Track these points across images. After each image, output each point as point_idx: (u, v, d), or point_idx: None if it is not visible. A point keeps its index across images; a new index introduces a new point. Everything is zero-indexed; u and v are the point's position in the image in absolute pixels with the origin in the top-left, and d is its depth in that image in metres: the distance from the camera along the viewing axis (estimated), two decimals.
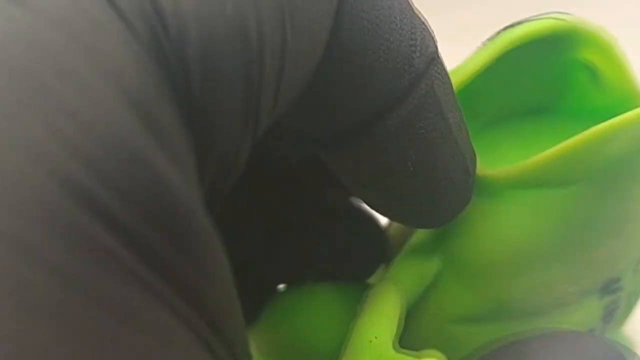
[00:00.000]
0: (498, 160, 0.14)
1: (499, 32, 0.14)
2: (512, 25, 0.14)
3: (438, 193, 0.13)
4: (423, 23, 0.12)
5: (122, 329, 0.08)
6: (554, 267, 0.14)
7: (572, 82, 0.15)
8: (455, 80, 0.13)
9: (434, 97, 0.12)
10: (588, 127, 0.13)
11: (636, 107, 0.12)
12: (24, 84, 0.08)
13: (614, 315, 0.16)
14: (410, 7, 0.12)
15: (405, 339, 0.14)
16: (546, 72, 0.15)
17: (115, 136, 0.08)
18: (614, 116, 0.14)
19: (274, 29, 0.09)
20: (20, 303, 0.07)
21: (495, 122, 0.15)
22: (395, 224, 0.18)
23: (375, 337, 0.13)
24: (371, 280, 0.18)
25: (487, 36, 0.14)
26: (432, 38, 0.12)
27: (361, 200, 0.15)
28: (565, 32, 0.14)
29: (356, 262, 0.17)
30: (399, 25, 0.11)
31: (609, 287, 0.15)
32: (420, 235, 0.15)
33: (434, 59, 0.12)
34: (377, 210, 0.14)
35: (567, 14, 0.14)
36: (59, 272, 0.07)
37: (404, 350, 0.13)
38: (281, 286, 0.17)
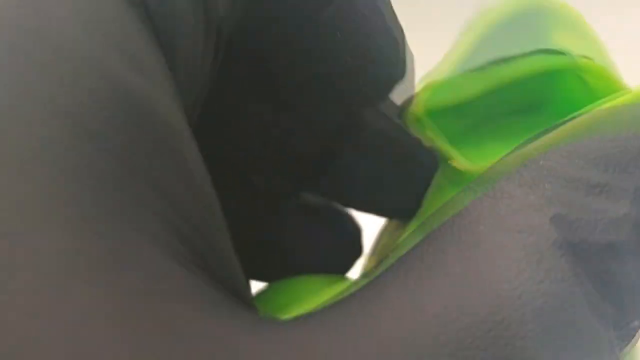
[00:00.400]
0: (484, 160, 0.15)
1: (489, 64, 0.14)
2: (504, 60, 0.14)
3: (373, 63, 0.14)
4: None
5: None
6: None
7: (559, 83, 0.15)
8: (439, 104, 0.14)
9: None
10: None
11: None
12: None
13: None
14: None
15: None
16: (533, 82, 0.15)
17: (97, 66, 0.09)
18: None
19: None
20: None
21: (482, 123, 0.15)
22: (387, 234, 0.18)
23: None
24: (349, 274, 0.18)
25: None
26: None
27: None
28: (532, 9, 0.14)
29: (334, 256, 0.17)
30: None
31: None
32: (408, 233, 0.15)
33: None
34: None
35: (556, 51, 0.14)
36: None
37: None
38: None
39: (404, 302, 0.08)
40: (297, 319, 0.09)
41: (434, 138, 0.14)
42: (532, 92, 0.15)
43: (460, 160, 0.14)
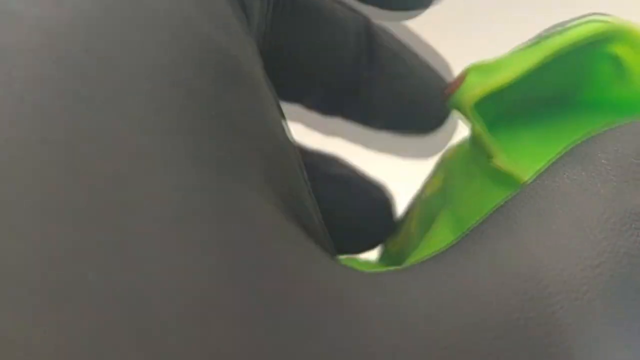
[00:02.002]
0: (519, 153, 0.15)
1: (541, 36, 0.14)
2: (556, 31, 0.14)
3: None
4: None
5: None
6: None
7: (594, 73, 0.15)
8: (493, 85, 0.14)
9: None
10: (608, 119, 0.13)
11: None
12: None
13: None
14: None
15: None
16: (570, 62, 0.15)
17: (191, 22, 0.09)
18: (635, 110, 0.14)
19: None
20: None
21: (516, 110, 0.15)
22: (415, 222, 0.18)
23: None
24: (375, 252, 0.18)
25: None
26: None
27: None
28: (606, 34, 0.14)
29: (365, 233, 0.18)
30: None
31: None
32: (438, 229, 0.16)
33: None
34: None
35: (606, 15, 0.14)
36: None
37: None
38: None
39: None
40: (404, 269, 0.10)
41: (481, 131, 0.14)
42: (567, 78, 0.15)
43: (502, 159, 0.14)
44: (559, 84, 0.15)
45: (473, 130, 0.14)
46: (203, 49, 0.09)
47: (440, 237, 0.15)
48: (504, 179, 0.14)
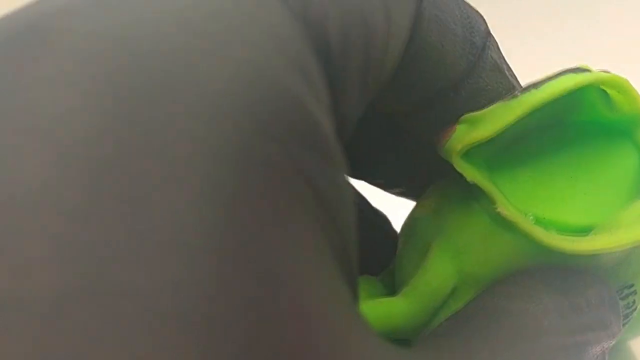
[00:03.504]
0: (520, 187, 0.15)
1: (519, 92, 0.15)
2: (534, 86, 0.14)
3: None
4: (471, 7, 0.15)
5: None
6: None
7: (583, 99, 0.16)
8: (475, 138, 0.14)
9: (493, 62, 0.15)
10: (601, 142, 0.15)
11: None
12: (201, 38, 0.09)
13: (630, 316, 0.16)
14: (463, 2, 0.15)
15: None
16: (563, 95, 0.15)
17: (278, 79, 0.10)
18: (624, 130, 0.15)
19: (381, 19, 0.12)
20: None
21: (513, 143, 0.16)
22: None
23: None
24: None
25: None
26: (481, 17, 0.15)
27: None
28: (585, 85, 0.14)
29: (371, 258, 0.18)
30: (458, 15, 0.14)
31: (622, 293, 0.16)
32: (435, 259, 0.16)
33: (487, 34, 0.15)
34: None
35: (583, 67, 0.15)
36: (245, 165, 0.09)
37: None
38: None
39: None
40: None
41: (477, 177, 0.15)
42: (559, 107, 0.15)
43: (504, 204, 0.14)
44: (549, 114, 0.15)
45: (468, 176, 0.15)
46: (287, 101, 0.10)
47: (439, 269, 0.15)
48: (506, 223, 0.14)
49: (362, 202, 0.18)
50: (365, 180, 0.18)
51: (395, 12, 0.13)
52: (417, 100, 0.15)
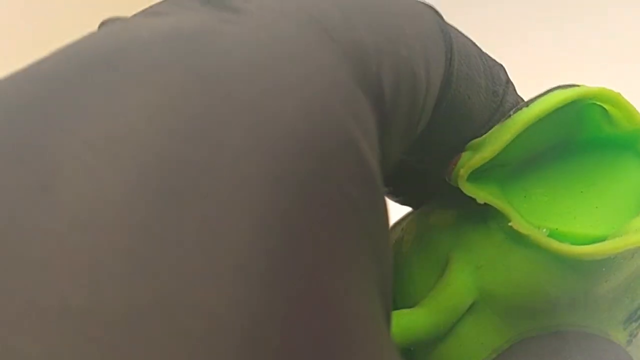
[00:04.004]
0: (533, 204, 0.16)
1: (513, 111, 0.15)
2: (525, 104, 0.15)
3: None
4: (491, 58, 0.16)
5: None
6: (580, 314, 0.16)
7: (584, 117, 0.16)
8: (477, 162, 0.15)
9: (510, 105, 0.16)
10: (608, 156, 0.15)
11: None
12: (262, 79, 0.10)
13: (637, 335, 0.17)
14: (479, 49, 0.15)
15: None
16: (555, 119, 0.16)
17: (335, 119, 0.10)
18: (626, 144, 0.16)
19: (423, 73, 0.13)
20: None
21: (524, 164, 0.16)
22: None
23: None
24: None
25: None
26: (501, 67, 0.16)
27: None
28: (575, 99, 0.15)
29: None
30: (481, 68, 0.15)
31: (632, 317, 0.16)
32: (455, 274, 0.16)
33: (507, 82, 0.16)
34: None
35: (573, 84, 0.15)
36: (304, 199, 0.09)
37: None
38: None
39: None
40: None
41: (489, 198, 0.15)
42: (562, 127, 0.16)
43: (519, 221, 0.15)
44: (554, 134, 0.16)
45: (480, 198, 0.15)
46: (348, 149, 0.10)
47: (461, 283, 0.16)
48: (521, 238, 0.15)
49: None
50: None
51: (432, 68, 0.13)
52: (444, 151, 0.16)
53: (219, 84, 0.10)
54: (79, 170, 0.08)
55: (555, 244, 0.15)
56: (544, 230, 0.15)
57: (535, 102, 0.15)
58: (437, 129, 0.15)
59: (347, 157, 0.10)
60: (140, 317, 0.08)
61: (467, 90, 0.15)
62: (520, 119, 0.15)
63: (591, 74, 0.39)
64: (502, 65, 0.16)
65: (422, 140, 0.15)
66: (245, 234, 0.09)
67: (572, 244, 0.15)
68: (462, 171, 0.15)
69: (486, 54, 0.16)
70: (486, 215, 0.16)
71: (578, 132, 0.16)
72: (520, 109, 0.15)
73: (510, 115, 0.15)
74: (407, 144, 0.14)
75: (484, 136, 0.15)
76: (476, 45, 0.16)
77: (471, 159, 0.15)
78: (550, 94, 0.15)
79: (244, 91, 0.10)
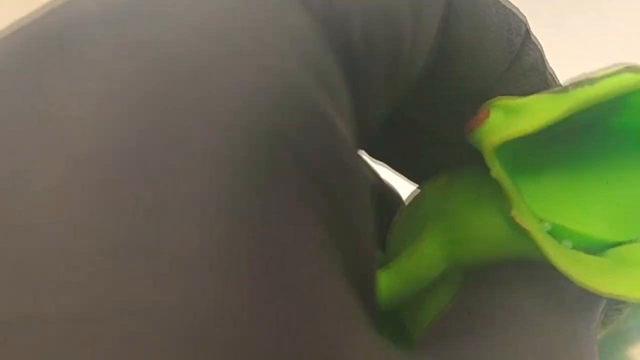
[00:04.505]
0: (543, 189, 0.14)
1: (570, 86, 0.13)
2: (585, 81, 0.13)
3: None
4: (510, 9, 0.14)
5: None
6: None
7: (626, 100, 0.14)
8: (516, 132, 0.13)
9: (531, 64, 0.14)
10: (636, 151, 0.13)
11: None
12: (224, 45, 0.09)
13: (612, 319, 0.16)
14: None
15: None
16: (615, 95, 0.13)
17: (297, 86, 0.10)
18: None
19: (409, 15, 0.12)
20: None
21: (544, 142, 0.14)
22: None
23: None
24: None
25: None
26: (521, 19, 0.14)
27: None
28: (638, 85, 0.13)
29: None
30: (494, 11, 0.13)
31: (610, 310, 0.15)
32: (425, 242, 0.15)
33: (527, 36, 0.14)
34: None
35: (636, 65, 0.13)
36: (256, 186, 0.09)
37: None
38: None
39: None
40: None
41: (502, 175, 0.13)
42: (601, 106, 0.14)
43: (521, 210, 0.13)
44: (592, 117, 0.14)
45: (494, 172, 0.13)
46: (307, 109, 0.10)
47: (429, 253, 0.15)
48: (519, 229, 0.13)
49: (377, 181, 0.18)
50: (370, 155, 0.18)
51: (425, 8, 0.12)
52: (449, 107, 0.14)
53: (164, 57, 0.09)
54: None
55: (551, 250, 0.13)
56: (546, 224, 0.14)
57: (603, 81, 0.13)
58: (440, 76, 0.13)
59: (308, 124, 0.09)
60: (75, 322, 0.07)
61: (472, 31, 0.13)
62: (580, 96, 0.13)
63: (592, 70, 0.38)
64: (522, 17, 0.14)
65: (425, 91, 0.13)
66: (188, 225, 0.08)
67: (577, 245, 0.13)
68: (495, 138, 0.13)
69: None
70: (483, 191, 0.14)
71: (615, 115, 0.14)
72: (582, 85, 0.13)
73: (566, 89, 0.13)
74: (399, 94, 0.12)
75: (521, 99, 0.13)
76: None
77: (508, 126, 0.13)
78: (620, 75, 0.13)
79: (193, 64, 0.09)
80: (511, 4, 0.14)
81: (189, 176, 0.08)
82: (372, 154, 0.17)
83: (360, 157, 0.11)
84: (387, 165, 0.17)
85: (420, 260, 0.15)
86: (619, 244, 0.14)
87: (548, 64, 0.15)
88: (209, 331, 0.08)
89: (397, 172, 0.18)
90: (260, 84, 0.09)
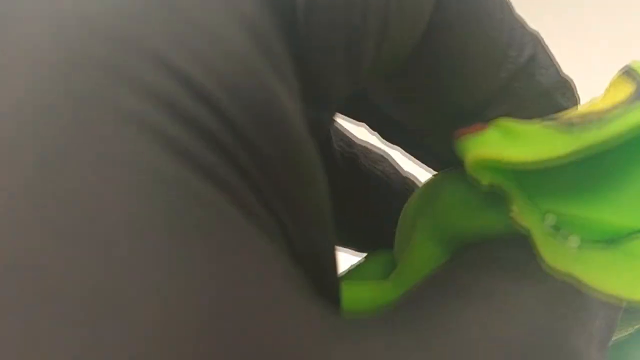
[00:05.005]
0: (550, 181, 0.13)
1: (578, 121, 0.12)
2: (597, 121, 0.11)
3: None
4: (523, 27, 0.13)
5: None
6: None
7: None
8: (505, 159, 0.12)
9: (538, 87, 0.13)
10: None
11: None
12: (154, 2, 0.09)
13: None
14: (511, 11, 0.12)
15: None
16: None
17: (232, 48, 0.09)
18: None
19: None
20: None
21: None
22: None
23: None
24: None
25: None
26: (530, 39, 0.13)
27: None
28: None
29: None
30: (499, 25, 0.12)
31: None
32: (418, 241, 0.15)
33: (535, 57, 0.13)
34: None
35: None
36: (174, 148, 0.08)
37: None
38: None
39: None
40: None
41: (499, 178, 0.12)
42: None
43: (522, 206, 0.12)
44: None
45: (484, 182, 0.12)
46: (257, 88, 0.09)
47: (424, 254, 0.14)
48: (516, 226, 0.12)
49: (393, 173, 0.18)
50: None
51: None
52: (436, 117, 0.13)
53: (83, 16, 0.09)
54: None
55: (547, 254, 0.12)
56: (551, 217, 0.12)
57: (609, 125, 0.11)
58: (428, 83, 0.12)
59: (244, 92, 0.09)
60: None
61: (464, 34, 0.12)
62: (584, 141, 0.11)
63: (591, 73, 0.38)
64: (532, 38, 0.13)
65: (409, 96, 0.12)
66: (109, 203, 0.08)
67: (588, 234, 0.12)
68: (482, 153, 0.12)
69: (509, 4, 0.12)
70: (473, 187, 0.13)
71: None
72: (589, 126, 0.11)
73: (572, 126, 0.11)
74: (360, 75, 0.11)
75: (523, 124, 0.12)
76: None
77: (501, 150, 0.12)
78: (633, 112, 0.11)
79: (114, 21, 0.09)
80: (524, 21, 0.13)
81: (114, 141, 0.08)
82: (385, 137, 0.16)
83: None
84: (401, 149, 0.17)
85: (420, 262, 0.14)
86: (637, 231, 0.12)
87: (566, 90, 0.13)
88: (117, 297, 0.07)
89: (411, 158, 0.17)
90: (184, 41, 0.09)
